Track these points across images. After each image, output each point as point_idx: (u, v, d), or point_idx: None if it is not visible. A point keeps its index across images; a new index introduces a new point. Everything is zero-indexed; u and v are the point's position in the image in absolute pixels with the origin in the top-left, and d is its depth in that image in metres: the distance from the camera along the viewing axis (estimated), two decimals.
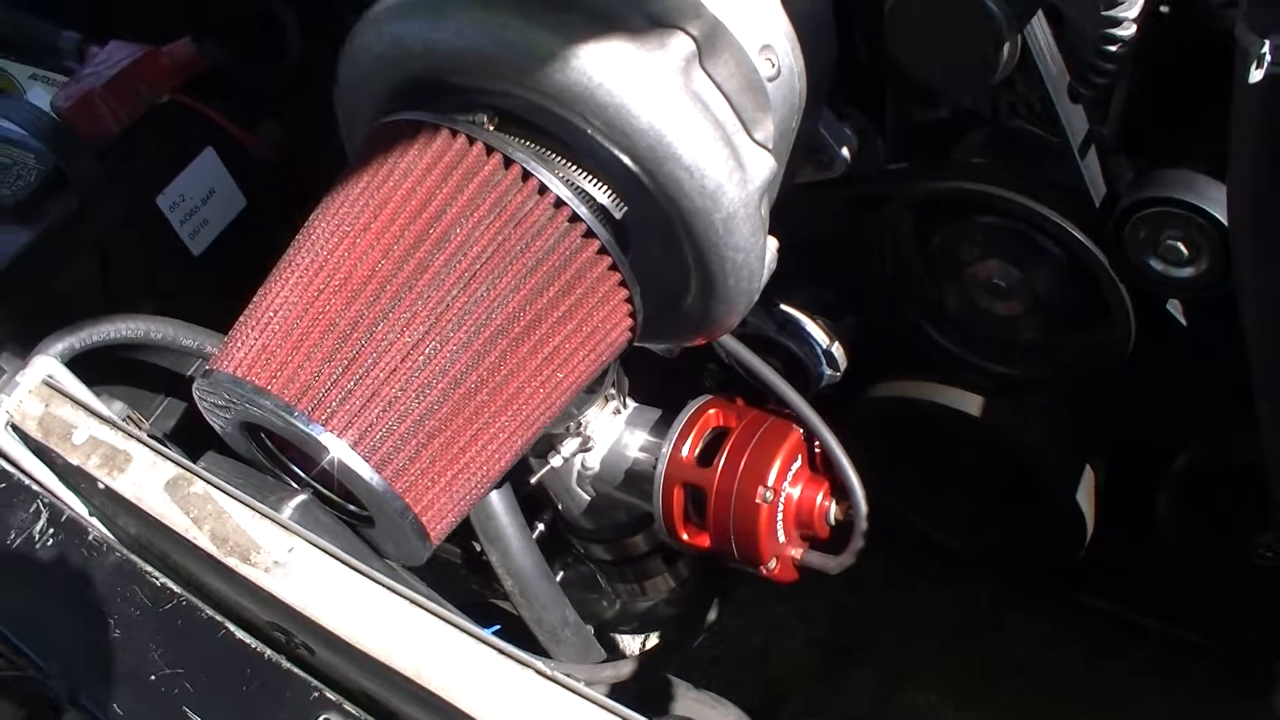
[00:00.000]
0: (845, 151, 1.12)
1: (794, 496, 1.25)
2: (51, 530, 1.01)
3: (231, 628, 0.89)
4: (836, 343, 1.34)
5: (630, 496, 1.35)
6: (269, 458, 1.03)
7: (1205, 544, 1.26)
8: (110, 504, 1.01)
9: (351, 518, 1.02)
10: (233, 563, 0.91)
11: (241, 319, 0.99)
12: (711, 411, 1.30)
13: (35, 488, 1.04)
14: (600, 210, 1.00)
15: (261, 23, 1.35)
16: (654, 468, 1.29)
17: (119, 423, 1.05)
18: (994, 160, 1.12)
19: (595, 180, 1.00)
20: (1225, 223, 0.97)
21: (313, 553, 0.90)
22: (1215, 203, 0.98)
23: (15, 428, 1.11)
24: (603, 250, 0.99)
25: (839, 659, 1.72)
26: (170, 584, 0.92)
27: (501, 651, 0.81)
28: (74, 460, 1.03)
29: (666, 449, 1.28)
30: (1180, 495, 1.23)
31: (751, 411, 1.29)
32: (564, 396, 1.02)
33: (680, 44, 0.97)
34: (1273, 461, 0.97)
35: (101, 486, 1.00)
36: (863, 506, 1.22)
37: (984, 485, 1.41)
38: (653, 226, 1.02)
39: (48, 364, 1.12)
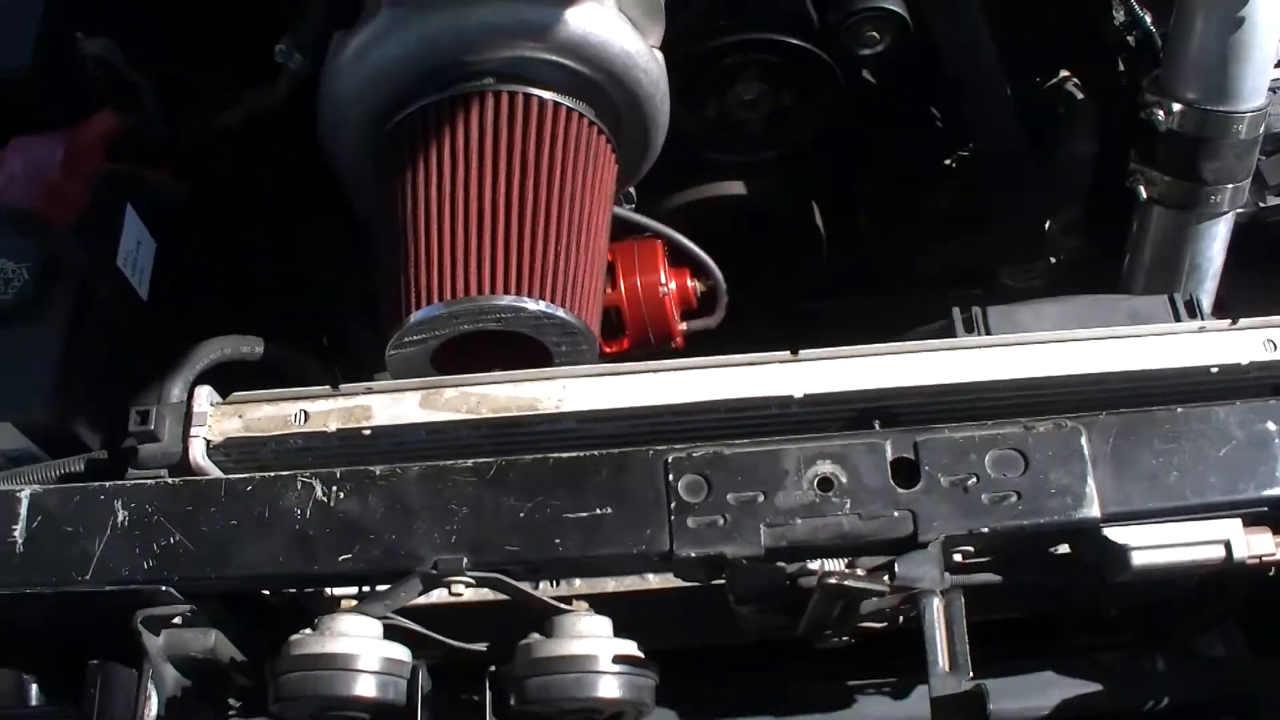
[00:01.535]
0: None
1: (674, 288, 1.77)
2: (334, 487, 1.25)
3: (553, 454, 1.24)
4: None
5: None
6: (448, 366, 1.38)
7: (894, 225, 1.98)
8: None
9: None
10: (527, 414, 1.27)
11: (406, 271, 1.34)
12: None
13: (284, 473, 1.27)
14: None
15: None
16: None
17: (315, 390, 1.30)
18: (729, 18, 1.70)
19: (569, 96, 1.45)
20: (900, 13, 1.64)
21: (579, 380, 1.28)
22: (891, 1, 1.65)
23: (215, 448, 1.31)
24: (607, 140, 1.47)
25: None
26: (481, 460, 1.24)
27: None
28: (324, 428, 1.28)
29: None
30: (871, 193, 1.95)
31: (615, 244, 1.78)
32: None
33: None
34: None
35: (367, 432, 1.27)
36: (719, 275, 1.78)
37: (762, 242, 2.02)
38: (602, 116, 1.49)
39: (203, 392, 1.32)
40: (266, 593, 1.37)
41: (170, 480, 1.28)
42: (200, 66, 1.62)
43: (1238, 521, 1.23)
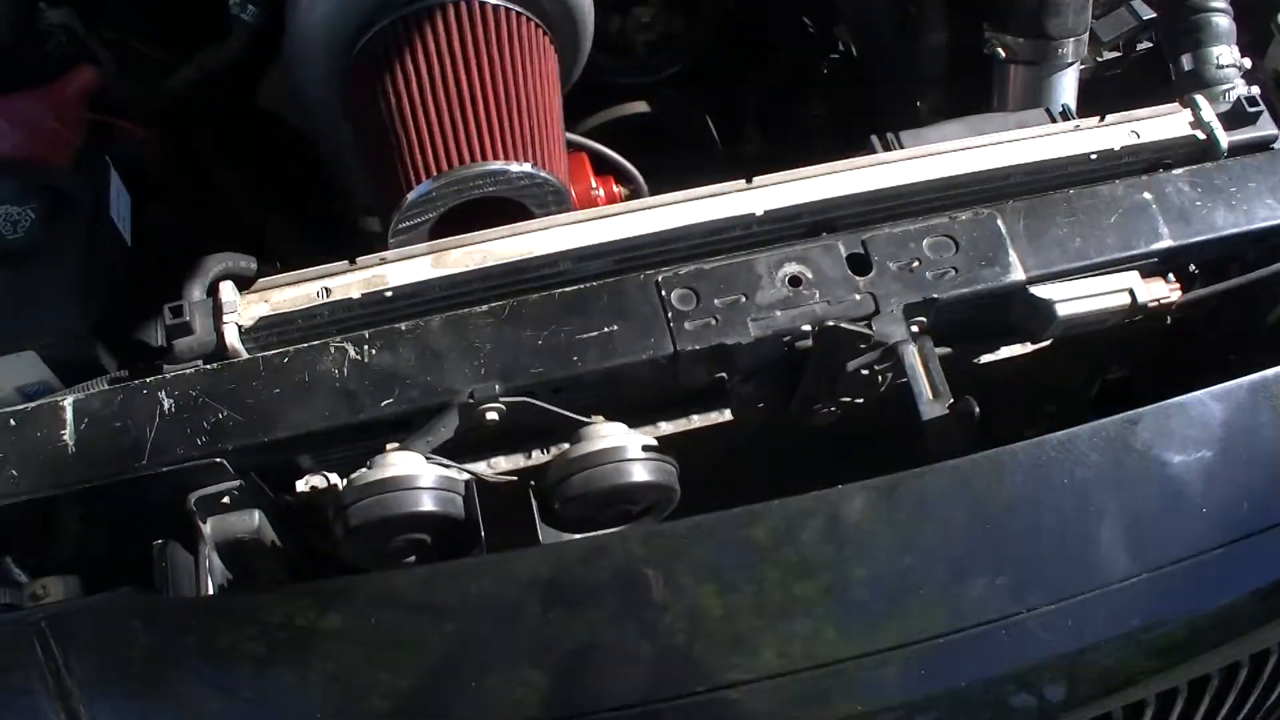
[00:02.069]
0: None
1: (603, 194, 1.94)
2: (365, 346, 1.38)
3: (557, 290, 1.40)
4: None
5: None
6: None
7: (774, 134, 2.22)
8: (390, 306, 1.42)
9: None
10: (526, 260, 1.42)
11: (398, 161, 1.50)
12: None
13: (317, 342, 1.39)
14: None
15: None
16: None
17: (333, 267, 1.43)
18: None
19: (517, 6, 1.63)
20: None
21: (568, 226, 1.44)
22: None
23: (246, 333, 1.41)
24: (551, 42, 1.65)
25: None
26: (495, 304, 1.39)
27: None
28: (348, 295, 1.40)
29: None
30: (754, 106, 2.19)
31: None
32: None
33: None
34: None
35: (389, 294, 1.40)
36: (641, 178, 1.96)
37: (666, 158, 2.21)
38: (544, 21, 1.68)
39: (226, 285, 1.43)
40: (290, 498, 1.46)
41: (209, 366, 1.39)
42: (152, 33, 1.73)
43: (1135, 274, 1.47)
